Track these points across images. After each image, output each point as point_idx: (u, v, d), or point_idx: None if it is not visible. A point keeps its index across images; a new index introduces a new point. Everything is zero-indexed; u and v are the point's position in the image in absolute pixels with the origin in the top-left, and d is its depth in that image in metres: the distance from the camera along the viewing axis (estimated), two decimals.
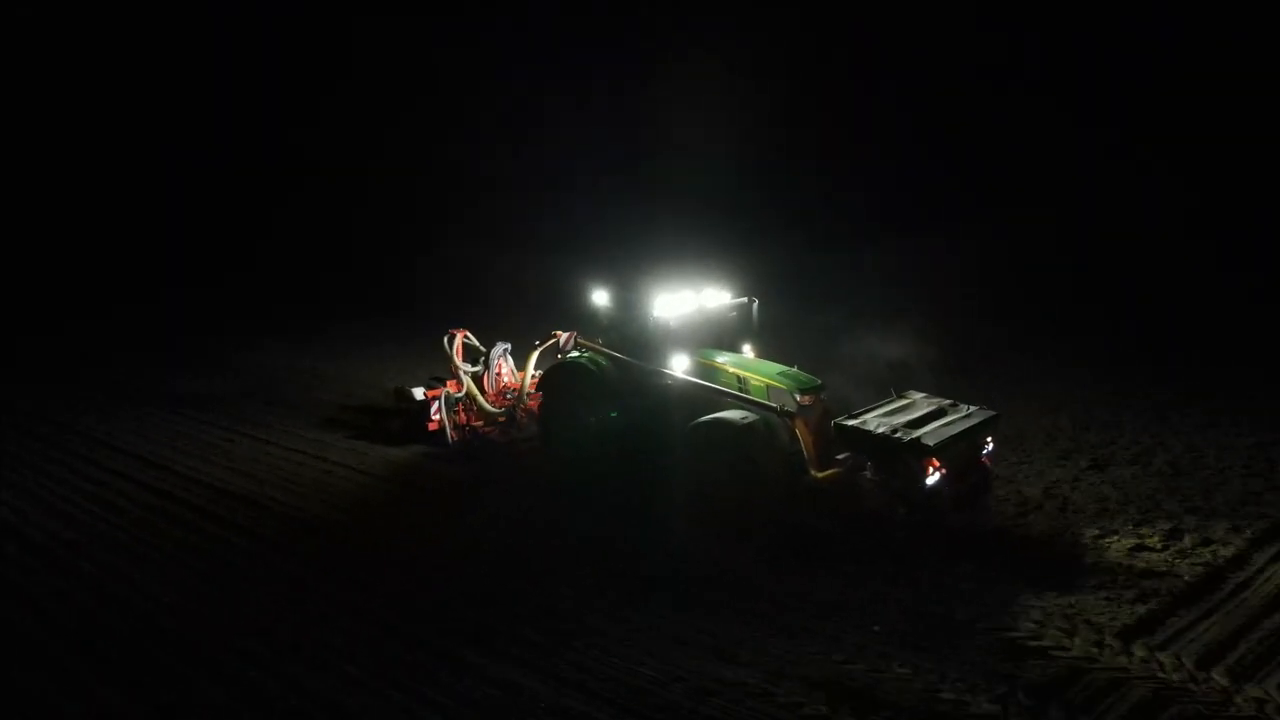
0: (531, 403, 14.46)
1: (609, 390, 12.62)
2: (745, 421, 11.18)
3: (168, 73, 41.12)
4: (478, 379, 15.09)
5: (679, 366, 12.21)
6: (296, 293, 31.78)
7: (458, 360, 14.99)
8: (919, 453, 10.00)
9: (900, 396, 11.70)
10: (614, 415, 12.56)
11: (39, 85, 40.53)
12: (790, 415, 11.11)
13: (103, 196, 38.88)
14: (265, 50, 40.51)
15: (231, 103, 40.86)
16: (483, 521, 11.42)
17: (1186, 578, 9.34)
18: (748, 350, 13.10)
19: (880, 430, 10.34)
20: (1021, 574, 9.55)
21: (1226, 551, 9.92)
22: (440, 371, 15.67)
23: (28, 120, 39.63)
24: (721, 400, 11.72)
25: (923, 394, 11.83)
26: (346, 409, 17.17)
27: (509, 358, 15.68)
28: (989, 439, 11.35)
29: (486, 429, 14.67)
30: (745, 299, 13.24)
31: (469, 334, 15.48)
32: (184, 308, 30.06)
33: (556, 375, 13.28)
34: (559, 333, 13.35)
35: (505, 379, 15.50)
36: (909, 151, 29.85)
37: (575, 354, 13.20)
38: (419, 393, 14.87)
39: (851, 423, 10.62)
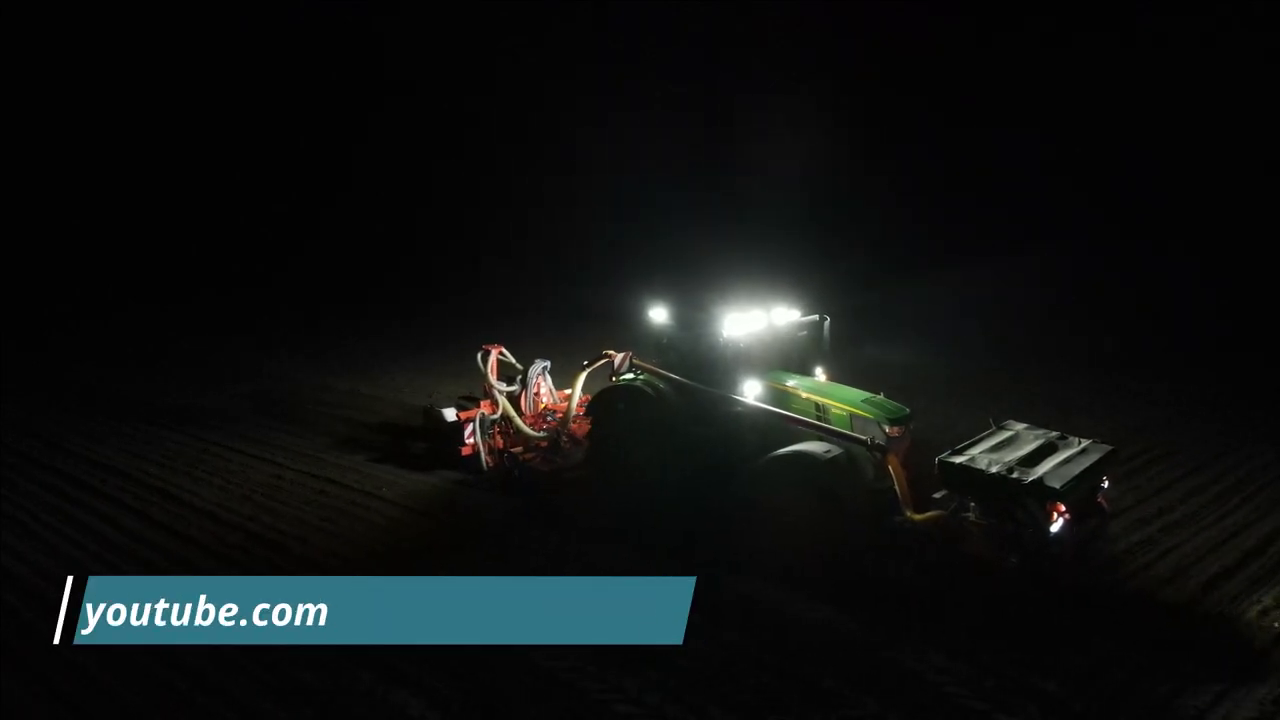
0: (577, 427, 13.20)
1: (669, 417, 11.34)
2: (829, 455, 9.93)
3: (228, 78, 40.68)
4: (514, 399, 13.83)
5: (750, 392, 10.94)
6: (318, 305, 30.65)
7: (492, 379, 13.74)
8: (1043, 496, 8.71)
9: (1000, 428, 10.42)
10: (674, 444, 11.26)
11: (91, 85, 39.83)
12: (882, 450, 9.83)
13: (156, 199, 38.46)
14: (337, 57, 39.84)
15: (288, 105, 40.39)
16: (527, 568, 10.08)
17: None
18: (819, 373, 11.84)
19: (995, 470, 9.04)
20: (1181, 653, 8.18)
21: None
22: (472, 390, 14.45)
23: (76, 121, 39.12)
24: (800, 431, 10.46)
25: (1024, 424, 10.56)
26: (362, 426, 15.94)
27: (548, 376, 14.42)
28: (1105, 477, 10.06)
29: (527, 455, 13.38)
30: (816, 317, 11.98)
31: (504, 350, 14.22)
32: (210, 311, 29.12)
33: (610, 399, 12.00)
34: (612, 352, 12.10)
35: (544, 399, 14.25)
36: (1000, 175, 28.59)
37: (629, 376, 11.94)
38: (450, 414, 13.61)
39: (959, 460, 9.33)
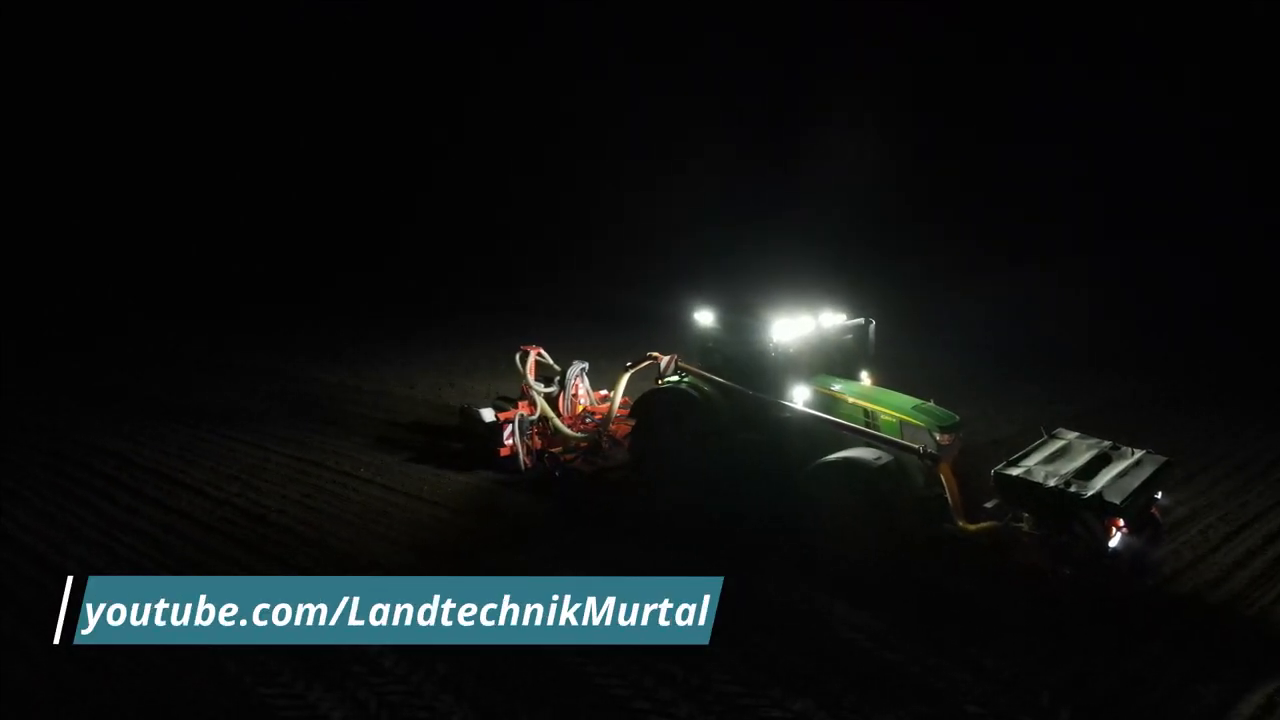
0: (617, 428, 13.20)
1: (715, 421, 11.31)
2: (880, 463, 9.87)
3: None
4: (552, 400, 13.84)
5: (798, 397, 10.89)
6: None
7: (530, 379, 13.76)
8: (1103, 511, 8.62)
9: (1053, 437, 10.30)
10: (720, 448, 11.23)
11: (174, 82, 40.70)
12: (935, 458, 9.76)
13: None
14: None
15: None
16: (565, 568, 9.99)
17: None
18: (864, 377, 11.76)
19: (1052, 484, 8.94)
20: (1233, 659, 8.11)
21: None
22: (507, 390, 14.45)
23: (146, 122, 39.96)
24: (849, 437, 10.40)
25: (1075, 433, 10.44)
26: (396, 426, 16.00)
27: (585, 378, 14.42)
28: (1159, 489, 9.93)
29: (568, 456, 13.40)
30: (861, 320, 11.90)
31: (543, 351, 14.23)
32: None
33: (655, 401, 11.98)
34: (657, 354, 12.08)
35: (582, 401, 14.25)
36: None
37: (674, 379, 11.91)
38: (488, 414, 13.62)
39: (1015, 472, 9.23)
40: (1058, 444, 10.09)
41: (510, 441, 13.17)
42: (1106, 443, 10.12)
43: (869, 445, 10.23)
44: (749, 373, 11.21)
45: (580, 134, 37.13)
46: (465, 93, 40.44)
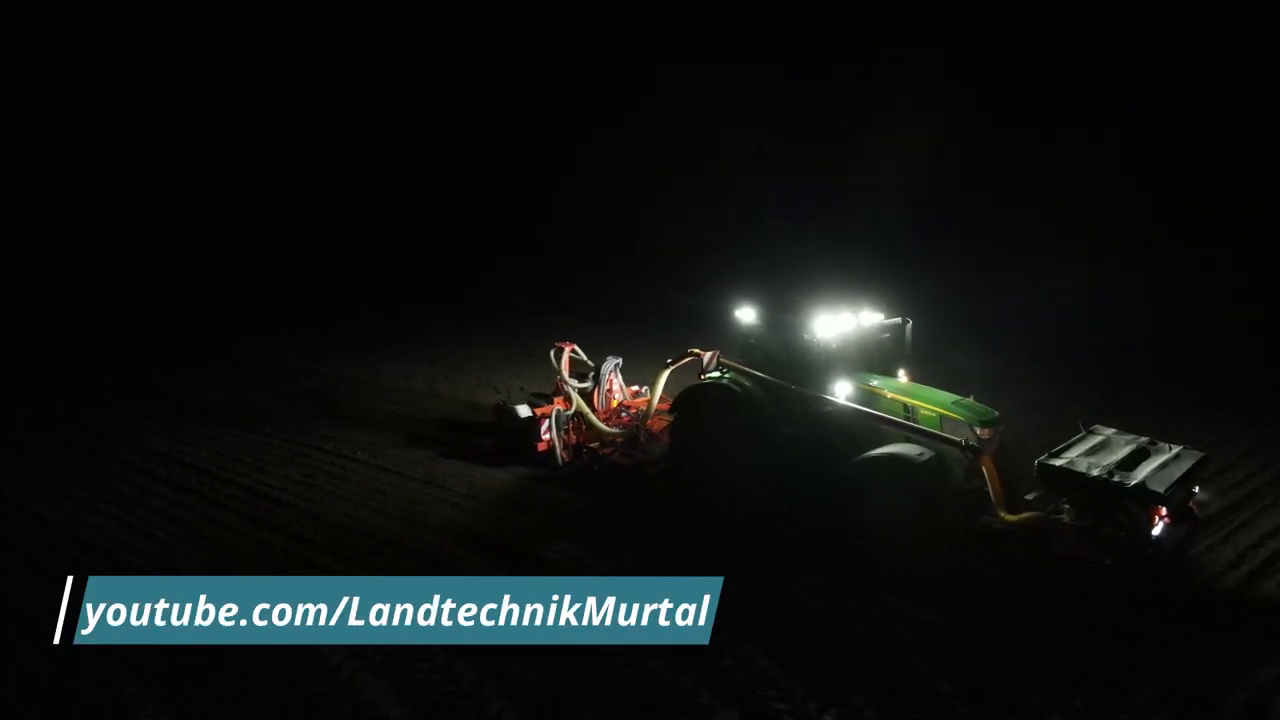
0: (655, 424, 13.43)
1: (757, 416, 11.53)
2: (923, 458, 10.07)
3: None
4: (587, 395, 14.10)
5: (840, 392, 11.12)
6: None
7: (565, 375, 14.02)
8: (1146, 500, 8.84)
9: (1090, 432, 10.53)
10: (762, 443, 11.44)
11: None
12: (976, 451, 9.98)
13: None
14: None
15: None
16: (603, 567, 10.15)
17: None
18: (902, 376, 11.97)
19: (1096, 474, 9.17)
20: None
21: None
22: (543, 388, 14.69)
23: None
24: (891, 432, 10.62)
25: (1113, 429, 10.66)
26: (422, 422, 16.24)
27: (619, 374, 14.68)
28: (1197, 484, 10.13)
29: (605, 450, 13.65)
30: (899, 319, 12.13)
31: (577, 348, 14.49)
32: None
33: (697, 396, 12.20)
34: (699, 350, 12.29)
35: (616, 396, 14.50)
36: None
37: (716, 374, 12.14)
38: (523, 410, 13.89)
39: (1058, 463, 9.46)
40: (1096, 438, 10.33)
41: (548, 436, 13.43)
42: (1144, 438, 10.35)
43: (910, 440, 10.44)
44: (791, 368, 11.42)
45: (617, 135, 37.32)
46: (508, 101, 40.77)
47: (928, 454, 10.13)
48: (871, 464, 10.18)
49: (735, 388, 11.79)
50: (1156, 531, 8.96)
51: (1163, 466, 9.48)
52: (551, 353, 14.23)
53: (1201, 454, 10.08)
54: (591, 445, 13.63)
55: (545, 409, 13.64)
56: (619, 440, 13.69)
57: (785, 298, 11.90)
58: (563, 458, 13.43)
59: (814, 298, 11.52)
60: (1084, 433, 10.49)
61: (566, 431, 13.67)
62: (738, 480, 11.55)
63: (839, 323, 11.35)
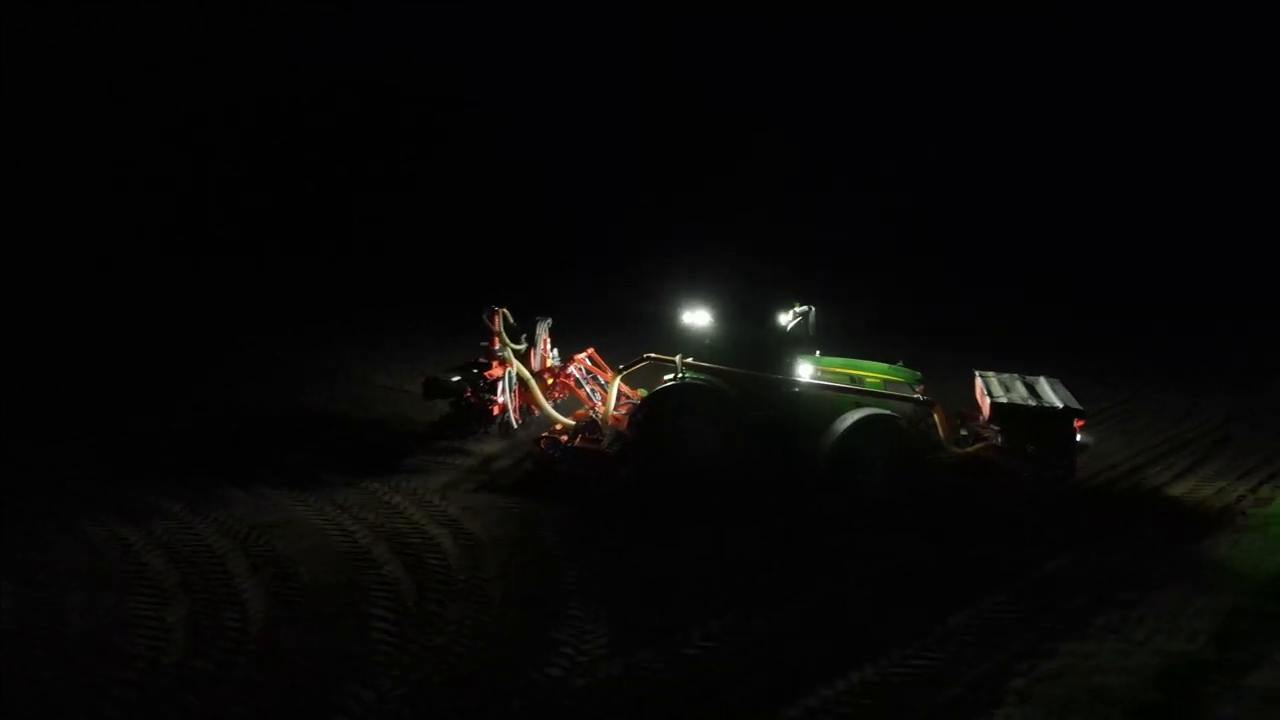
0: (615, 421, 13.42)
1: (728, 406, 12.47)
2: (896, 415, 12.00)
3: None
4: (523, 357, 13.98)
5: (804, 373, 12.59)
6: None
7: (504, 336, 13.71)
8: (1071, 416, 11.63)
9: (983, 376, 13.20)
10: (736, 430, 12.44)
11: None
12: (930, 404, 12.15)
13: None
14: None
15: None
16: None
17: None
18: (817, 355, 13.77)
19: (1033, 404, 11.82)
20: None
21: None
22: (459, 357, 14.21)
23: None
24: (853, 399, 12.35)
25: (991, 371, 13.48)
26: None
27: (548, 336, 14.82)
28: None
29: (564, 437, 13.26)
30: (805, 307, 13.89)
31: (507, 312, 14.08)
32: None
33: (666, 397, 12.57)
34: (654, 355, 12.92)
35: (549, 359, 14.63)
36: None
37: (679, 376, 12.81)
38: (455, 379, 13.33)
39: (1006, 400, 11.93)
40: (994, 379, 13.07)
41: (503, 399, 13.34)
42: (1015, 374, 13.34)
43: (878, 404, 12.25)
44: (755, 358, 12.57)
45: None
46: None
47: (896, 411, 12.07)
48: (862, 426, 11.83)
49: (702, 383, 12.58)
50: (1080, 438, 11.84)
51: (1055, 390, 12.49)
52: (484, 315, 13.81)
53: (1057, 379, 13.29)
54: (557, 434, 13.37)
55: (496, 370, 13.49)
56: (561, 432, 13.50)
57: (745, 290, 13.01)
58: (516, 420, 13.60)
59: (770, 291, 12.83)
60: (978, 375, 13.17)
61: (513, 394, 13.69)
62: (715, 470, 12.31)
63: (791, 313, 12.80)
